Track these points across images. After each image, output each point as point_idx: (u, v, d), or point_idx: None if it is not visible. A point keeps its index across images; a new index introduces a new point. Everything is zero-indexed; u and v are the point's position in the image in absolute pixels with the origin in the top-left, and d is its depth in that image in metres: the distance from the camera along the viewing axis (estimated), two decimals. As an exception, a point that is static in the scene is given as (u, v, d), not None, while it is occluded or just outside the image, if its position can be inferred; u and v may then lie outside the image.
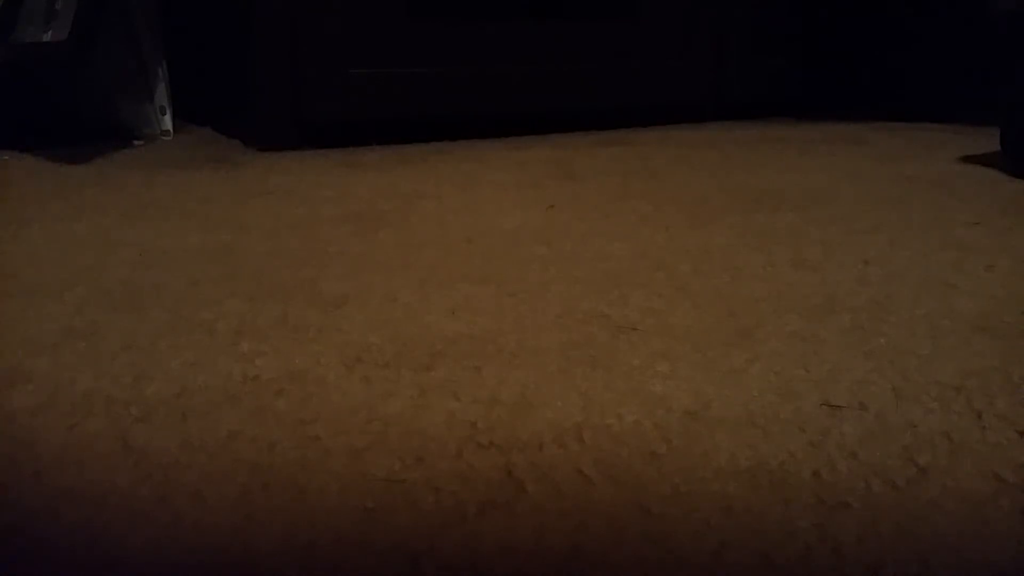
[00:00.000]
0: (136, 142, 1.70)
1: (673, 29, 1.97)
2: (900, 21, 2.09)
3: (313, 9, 1.60)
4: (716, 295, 0.76)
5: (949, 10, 2.01)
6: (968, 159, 1.44)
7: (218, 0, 1.80)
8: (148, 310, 0.73)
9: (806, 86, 2.18)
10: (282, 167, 1.45)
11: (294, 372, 0.60)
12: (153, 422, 0.53)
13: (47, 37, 1.54)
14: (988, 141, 1.45)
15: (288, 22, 1.58)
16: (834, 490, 0.45)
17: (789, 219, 1.04)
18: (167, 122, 1.76)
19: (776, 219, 1.05)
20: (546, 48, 1.84)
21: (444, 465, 0.48)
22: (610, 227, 1.02)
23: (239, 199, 1.19)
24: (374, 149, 1.64)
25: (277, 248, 0.93)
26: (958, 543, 0.40)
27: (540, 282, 0.80)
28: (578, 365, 0.61)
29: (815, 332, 0.67)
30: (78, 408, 0.55)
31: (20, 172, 1.41)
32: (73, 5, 1.50)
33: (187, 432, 0.52)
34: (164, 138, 1.74)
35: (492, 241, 0.96)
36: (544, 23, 1.83)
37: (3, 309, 0.74)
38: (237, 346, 0.65)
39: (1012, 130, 1.34)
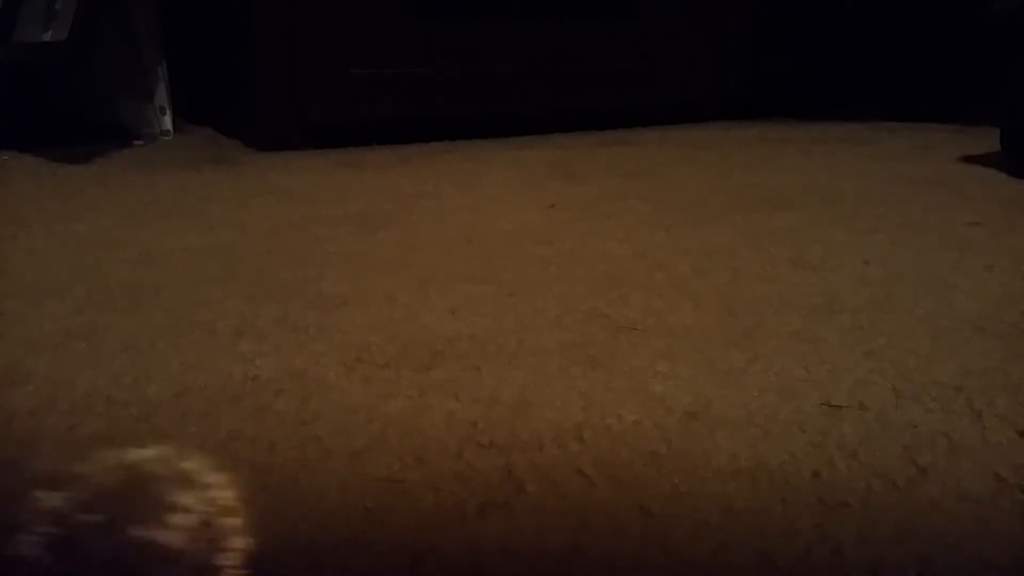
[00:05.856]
0: (136, 142, 1.70)
1: (673, 29, 1.97)
2: (900, 21, 2.09)
3: (313, 9, 1.60)
4: (716, 295, 0.76)
5: (949, 10, 2.01)
6: (968, 159, 1.44)
7: (218, 0, 1.80)
8: (148, 310, 0.73)
9: (806, 86, 2.18)
10: (282, 167, 1.45)
11: (294, 372, 0.60)
12: (153, 422, 0.53)
13: (47, 37, 1.54)
14: (988, 141, 1.45)
15: (288, 22, 1.58)
16: (834, 490, 0.45)
17: (789, 219, 1.04)
18: (167, 122, 1.76)
19: (776, 219, 1.05)
20: (546, 48, 1.84)
21: (444, 465, 0.48)
22: (610, 227, 1.02)
23: (239, 199, 1.19)
24: (374, 149, 1.64)
25: (277, 248, 0.93)
26: (958, 543, 0.40)
27: (540, 282, 0.80)
28: (578, 365, 0.61)
29: (815, 332, 0.67)
30: (78, 408, 0.55)
31: (20, 172, 1.41)
32: (73, 5, 1.50)
33: (187, 432, 0.52)
34: (164, 138, 1.74)
35: (492, 241, 0.95)
36: (544, 23, 1.83)
37: (3, 309, 0.74)
38: (237, 346, 0.65)
39: (1012, 130, 1.34)
